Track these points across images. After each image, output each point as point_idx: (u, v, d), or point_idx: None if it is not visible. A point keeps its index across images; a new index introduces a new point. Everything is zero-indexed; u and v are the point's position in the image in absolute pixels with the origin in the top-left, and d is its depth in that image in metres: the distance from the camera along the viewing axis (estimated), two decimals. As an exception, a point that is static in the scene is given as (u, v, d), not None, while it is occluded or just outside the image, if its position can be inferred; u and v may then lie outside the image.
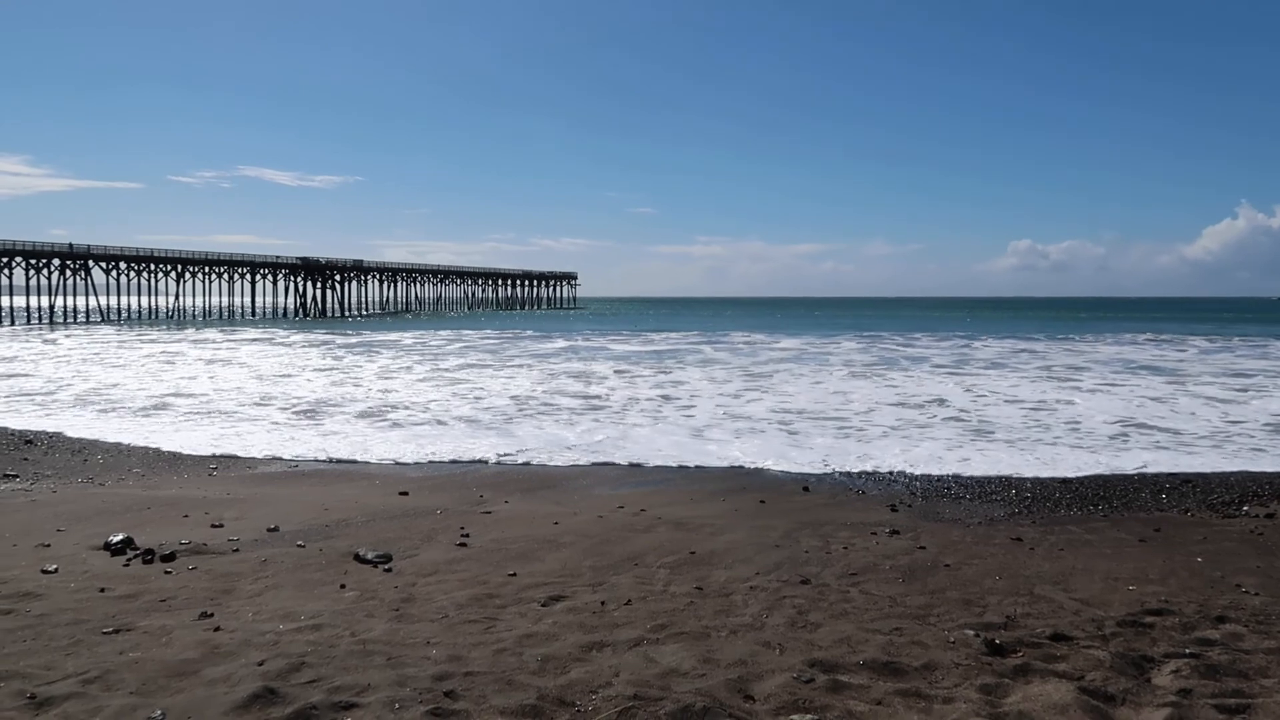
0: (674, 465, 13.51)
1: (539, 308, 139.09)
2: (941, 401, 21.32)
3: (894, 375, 28.64)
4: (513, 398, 22.37)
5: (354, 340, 50.48)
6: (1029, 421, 18.02)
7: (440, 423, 18.14)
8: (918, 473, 12.73)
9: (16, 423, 17.60)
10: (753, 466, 13.38)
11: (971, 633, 5.56)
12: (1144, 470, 12.74)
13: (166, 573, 7.01)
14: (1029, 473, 12.67)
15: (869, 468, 13.15)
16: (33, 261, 74.19)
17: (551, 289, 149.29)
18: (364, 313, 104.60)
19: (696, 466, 13.41)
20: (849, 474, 12.76)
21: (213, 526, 8.85)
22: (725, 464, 13.61)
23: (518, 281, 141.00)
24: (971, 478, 12.36)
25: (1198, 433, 16.37)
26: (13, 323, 67.67)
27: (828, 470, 13.00)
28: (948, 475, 12.52)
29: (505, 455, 14.29)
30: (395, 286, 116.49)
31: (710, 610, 6.09)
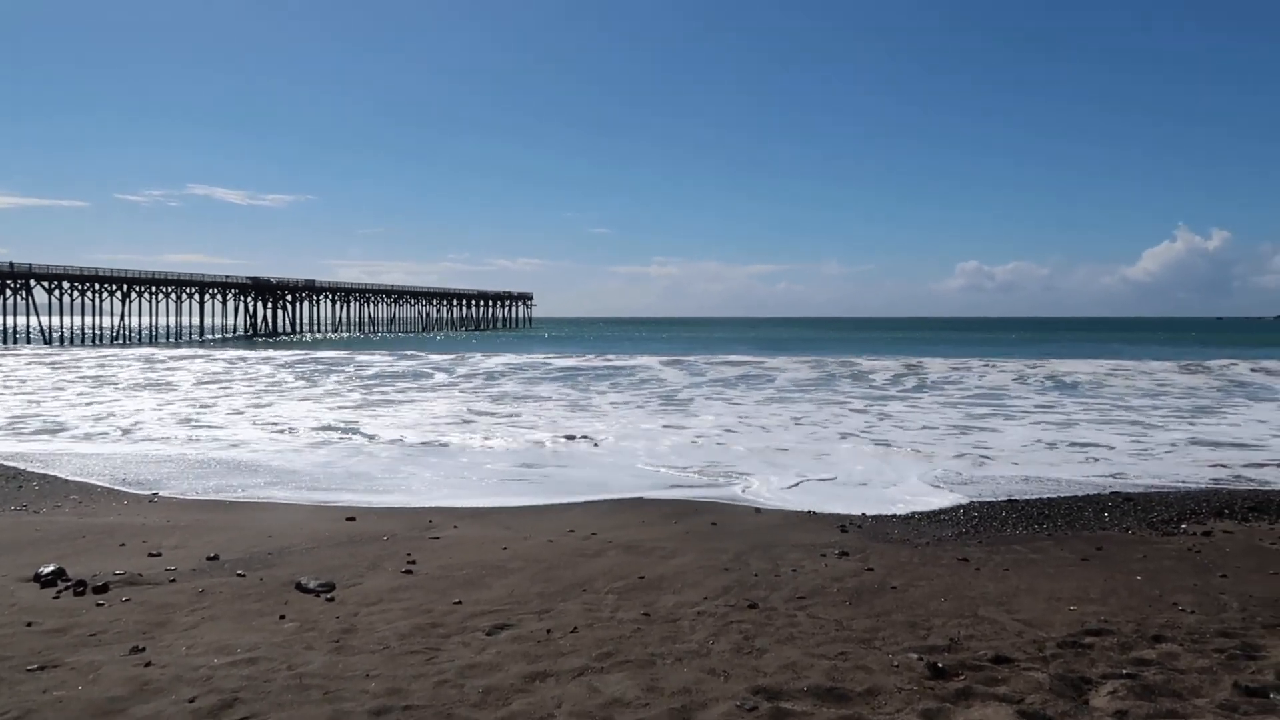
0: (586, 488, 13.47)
1: (495, 328, 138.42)
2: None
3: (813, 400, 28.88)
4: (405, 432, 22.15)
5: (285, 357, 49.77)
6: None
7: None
8: (868, 497, 12.80)
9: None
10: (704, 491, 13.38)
11: (915, 656, 5.58)
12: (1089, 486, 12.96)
13: (98, 605, 6.81)
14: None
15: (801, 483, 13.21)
16: (-29, 281, 72.29)
17: (508, 309, 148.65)
18: (316, 333, 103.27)
19: (636, 497, 13.37)
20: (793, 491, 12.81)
21: (150, 555, 8.62)
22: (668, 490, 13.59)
23: (473, 301, 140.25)
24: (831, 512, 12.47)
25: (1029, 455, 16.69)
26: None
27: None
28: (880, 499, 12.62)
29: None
30: (349, 306, 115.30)
31: (657, 637, 6.06)
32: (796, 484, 13.66)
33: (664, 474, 14.72)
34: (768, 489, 13.29)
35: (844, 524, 10.61)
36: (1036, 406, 25.54)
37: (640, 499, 12.60)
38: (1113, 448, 17.39)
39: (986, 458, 16.11)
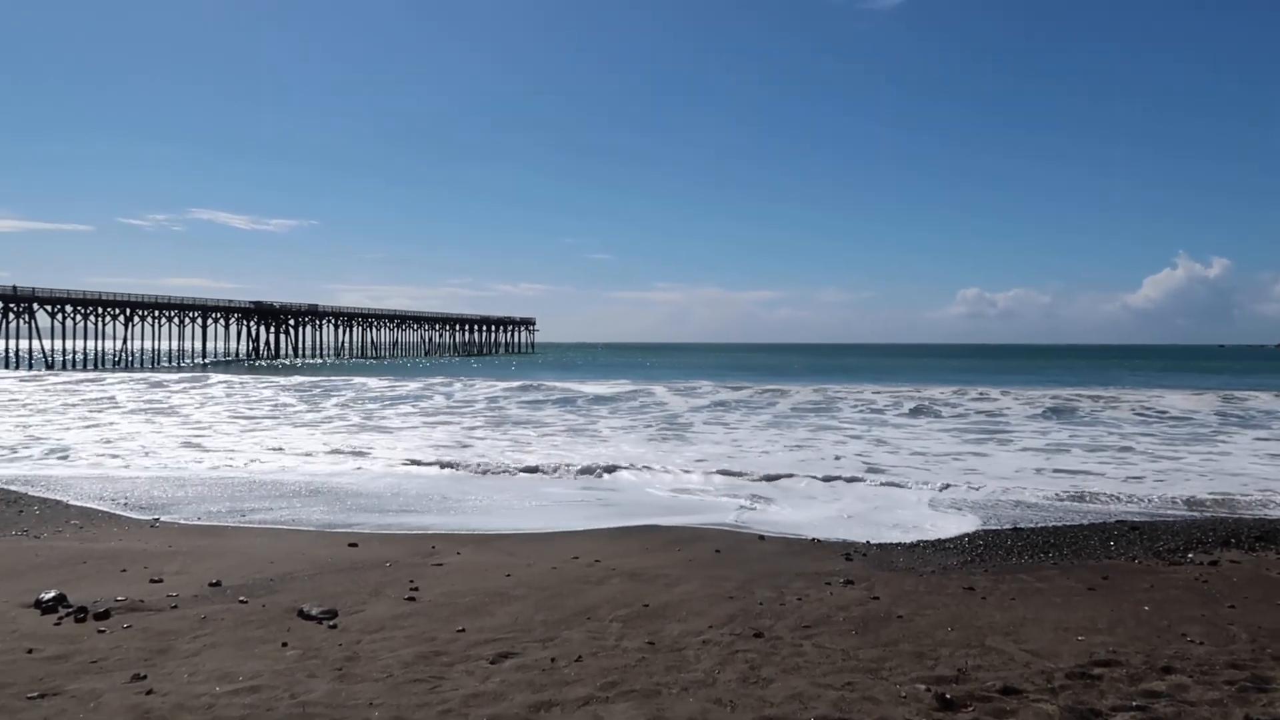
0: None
1: (497, 352, 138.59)
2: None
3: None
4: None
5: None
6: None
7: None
8: (868, 525, 12.75)
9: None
10: (708, 518, 13.33)
11: (923, 687, 5.54)
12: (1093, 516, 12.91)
13: (100, 631, 6.77)
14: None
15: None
16: (-25, 304, 72.46)
17: (510, 334, 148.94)
18: (320, 358, 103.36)
19: (648, 524, 13.32)
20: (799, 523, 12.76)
21: (152, 581, 8.58)
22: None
23: (476, 326, 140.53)
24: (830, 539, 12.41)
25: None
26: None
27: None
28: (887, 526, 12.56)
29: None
30: (351, 331, 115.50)
31: (662, 666, 6.01)
32: (799, 510, 13.60)
33: (666, 500, 14.67)
34: (770, 516, 13.24)
35: (848, 552, 10.56)
36: (1034, 434, 25.47)
37: (643, 525, 12.55)
38: (1103, 475, 17.33)
39: (984, 485, 16.04)
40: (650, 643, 6.58)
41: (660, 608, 7.71)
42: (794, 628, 7.06)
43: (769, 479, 16.72)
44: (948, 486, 15.85)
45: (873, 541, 11.38)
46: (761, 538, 11.56)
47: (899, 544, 11.21)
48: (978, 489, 15.56)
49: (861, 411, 32.71)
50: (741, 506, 13.99)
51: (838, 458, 20.02)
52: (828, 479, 16.66)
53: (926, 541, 11.36)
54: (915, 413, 32.41)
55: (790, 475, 17.12)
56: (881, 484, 16.22)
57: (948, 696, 5.31)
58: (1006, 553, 10.63)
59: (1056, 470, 18.23)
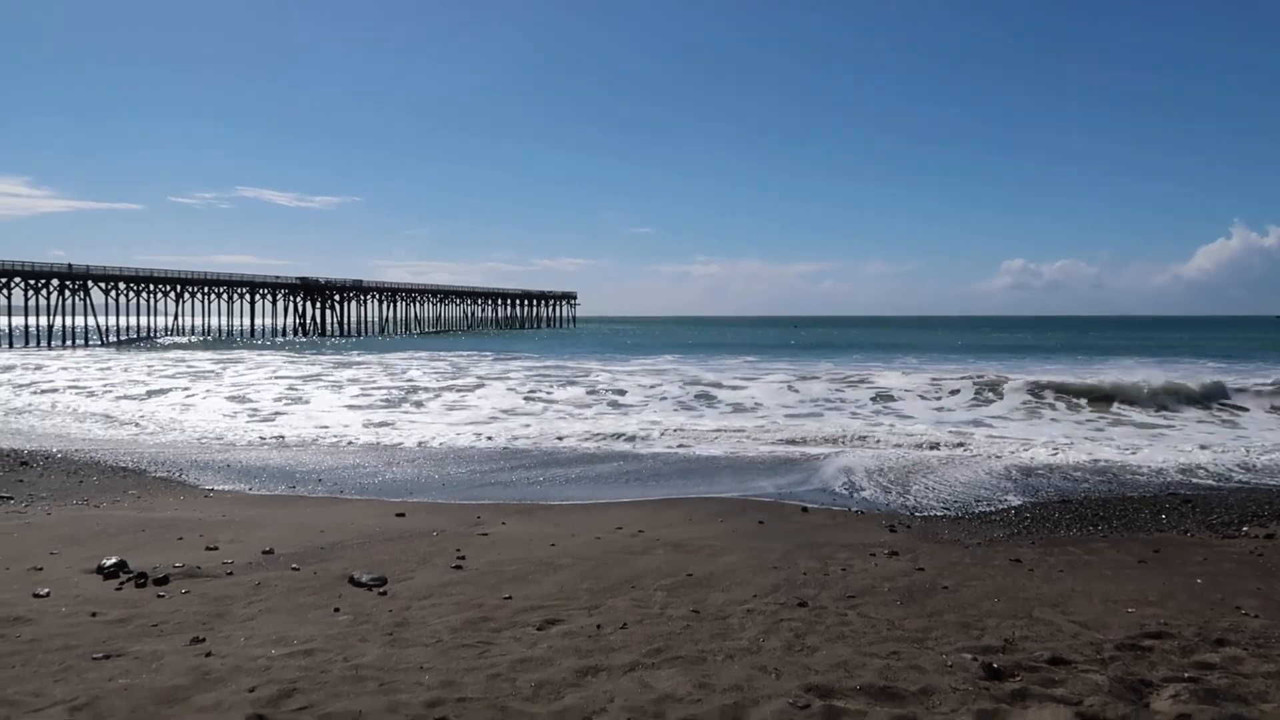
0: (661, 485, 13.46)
1: (539, 327, 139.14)
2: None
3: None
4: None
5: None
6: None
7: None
8: (914, 491, 12.67)
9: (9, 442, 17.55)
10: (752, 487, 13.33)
11: (969, 656, 5.51)
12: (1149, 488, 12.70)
13: (159, 596, 6.96)
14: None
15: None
16: (31, 282, 74.28)
17: (551, 308, 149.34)
18: (363, 333, 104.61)
19: (696, 495, 13.35)
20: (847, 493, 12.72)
21: (207, 549, 8.79)
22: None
23: (517, 301, 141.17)
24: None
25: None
26: (10, 345, 67.55)
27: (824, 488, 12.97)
28: (938, 494, 12.47)
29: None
30: (395, 306, 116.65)
31: (707, 634, 6.05)
32: (842, 482, 13.55)
33: (709, 468, 14.70)
34: (813, 486, 13.21)
35: (892, 524, 10.51)
36: (1077, 421, 25.03)
37: (686, 498, 12.59)
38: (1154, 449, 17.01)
39: (1032, 458, 15.82)
40: (695, 611, 6.62)
41: (704, 577, 7.75)
42: (838, 598, 7.06)
43: (816, 448, 16.67)
44: (996, 456, 15.69)
45: (918, 513, 11.32)
46: (805, 509, 11.54)
47: (944, 516, 11.14)
48: (1026, 466, 15.37)
49: (911, 389, 32.27)
50: (786, 475, 13.97)
51: (887, 432, 19.91)
52: (870, 453, 16.56)
53: (971, 514, 11.27)
54: (956, 391, 31.94)
55: (836, 445, 17.04)
56: (925, 456, 16.08)
57: (995, 666, 5.28)
58: (1054, 525, 10.52)
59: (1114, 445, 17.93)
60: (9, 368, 41.13)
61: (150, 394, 29.12)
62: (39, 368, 41.75)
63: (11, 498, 11.93)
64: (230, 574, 7.78)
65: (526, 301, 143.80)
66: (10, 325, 71.49)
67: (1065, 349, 63.99)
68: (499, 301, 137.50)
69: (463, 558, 8.48)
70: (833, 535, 9.85)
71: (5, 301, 72.22)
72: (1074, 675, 5.19)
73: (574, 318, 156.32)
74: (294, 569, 7.99)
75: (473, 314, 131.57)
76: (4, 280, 72.26)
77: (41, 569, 7.86)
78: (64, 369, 40.49)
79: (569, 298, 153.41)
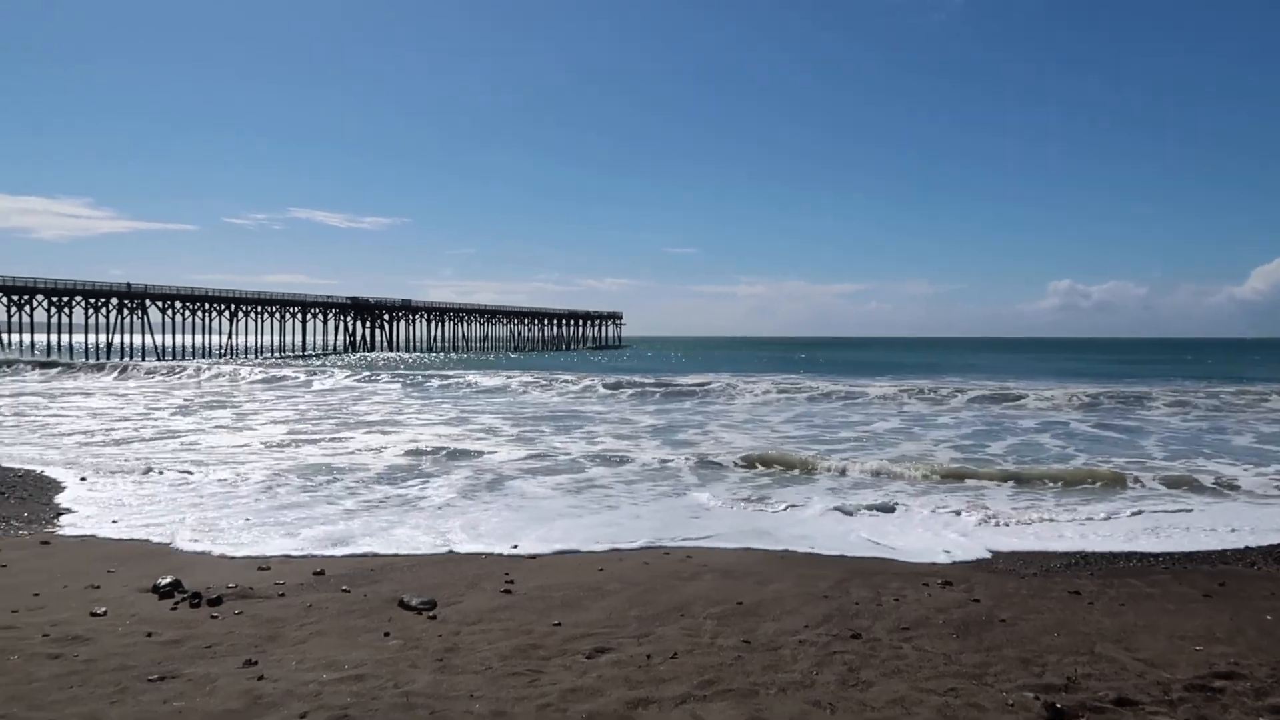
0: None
1: (585, 346, 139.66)
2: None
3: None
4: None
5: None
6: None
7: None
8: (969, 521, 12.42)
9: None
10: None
11: (1031, 695, 5.35)
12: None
13: (213, 617, 7.03)
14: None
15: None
16: (92, 300, 76.38)
17: (597, 328, 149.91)
18: (411, 351, 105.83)
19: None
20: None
21: (259, 569, 8.88)
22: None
23: (563, 321, 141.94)
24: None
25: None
26: (71, 356, 69.31)
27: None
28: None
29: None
30: (442, 325, 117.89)
31: (758, 665, 5.95)
32: (892, 507, 13.32)
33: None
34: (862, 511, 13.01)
35: (944, 551, 10.30)
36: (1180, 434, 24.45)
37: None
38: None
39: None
40: (745, 641, 6.53)
41: (754, 605, 7.64)
42: (892, 629, 6.91)
43: (867, 475, 16.46)
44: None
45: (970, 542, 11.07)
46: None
47: (997, 544, 10.88)
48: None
49: (950, 410, 31.86)
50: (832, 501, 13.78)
51: (936, 457, 19.58)
52: (922, 479, 16.30)
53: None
54: (1002, 414, 31.47)
55: (893, 472, 16.81)
56: (981, 485, 15.77)
57: (1058, 706, 5.12)
58: (1112, 556, 10.23)
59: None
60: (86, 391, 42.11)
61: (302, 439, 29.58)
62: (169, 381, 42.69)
63: (74, 510, 12.16)
64: (282, 595, 7.84)
65: (572, 321, 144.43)
66: (71, 342, 73.41)
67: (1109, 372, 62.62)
68: (546, 321, 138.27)
69: (511, 582, 8.46)
70: (884, 563, 9.67)
71: (68, 320, 74.33)
72: (1142, 717, 5.01)
73: (619, 337, 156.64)
74: (344, 591, 8.03)
75: (518, 334, 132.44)
76: (66, 299, 74.38)
77: (99, 587, 8.00)
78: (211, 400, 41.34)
79: (615, 317, 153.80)
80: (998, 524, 12.04)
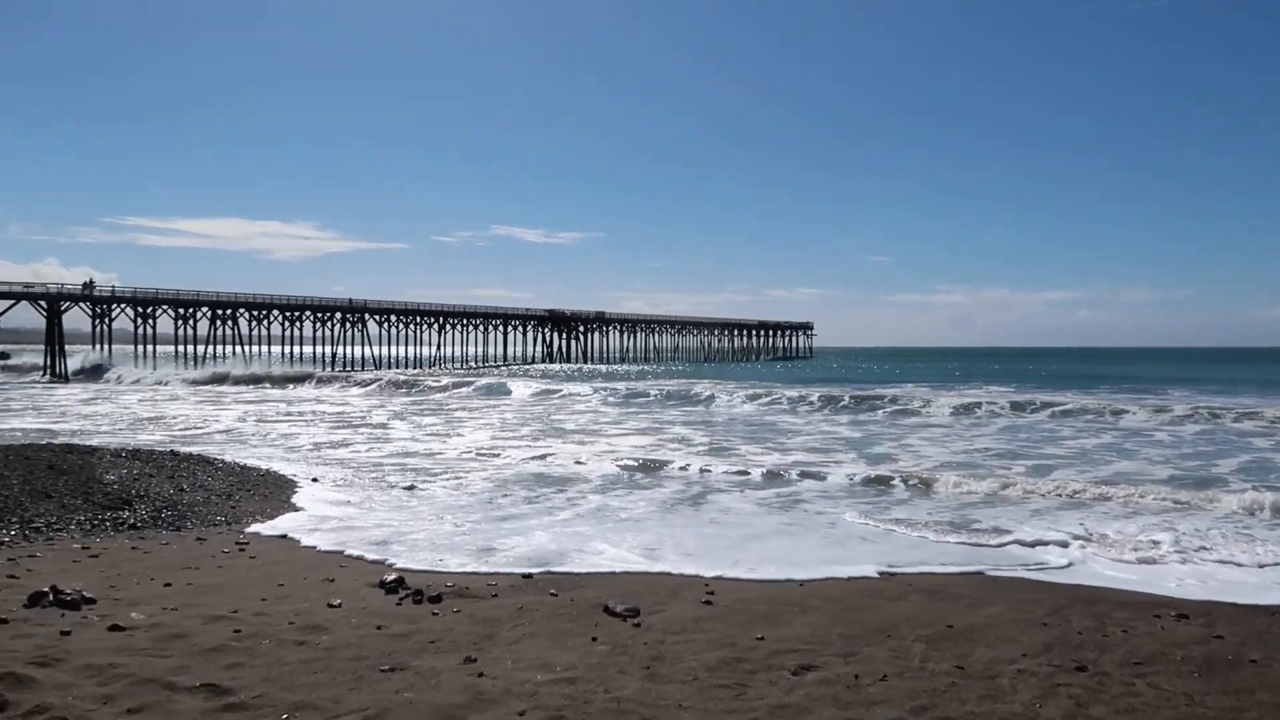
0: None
1: (775, 357, 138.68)
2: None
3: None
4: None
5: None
6: None
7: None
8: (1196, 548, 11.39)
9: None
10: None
11: (1292, 746, 4.84)
12: None
13: (434, 614, 7.45)
14: None
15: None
16: (319, 315, 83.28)
17: (787, 339, 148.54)
18: (606, 361, 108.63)
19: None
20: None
21: (472, 571, 9.33)
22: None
23: (753, 331, 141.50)
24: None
25: None
26: (301, 364, 75.62)
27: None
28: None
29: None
30: (635, 336, 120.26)
31: (975, 694, 5.69)
32: (1105, 533, 12.40)
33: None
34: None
35: (1176, 580, 9.50)
36: None
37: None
38: None
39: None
40: (959, 667, 6.26)
41: (965, 630, 7.32)
42: (1122, 663, 6.43)
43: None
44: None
45: (1206, 570, 10.15)
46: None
47: (1237, 570, 9.91)
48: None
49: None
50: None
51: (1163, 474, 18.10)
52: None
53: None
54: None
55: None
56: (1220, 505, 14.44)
57: (1325, 760, 4.60)
58: (1384, 594, 9.09)
59: None
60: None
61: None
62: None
63: (306, 509, 13.22)
64: (495, 595, 8.21)
65: (763, 332, 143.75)
66: (301, 352, 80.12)
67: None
68: (736, 332, 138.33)
69: (712, 592, 8.49)
70: (1106, 591, 9.03)
71: (298, 332, 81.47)
72: None
73: (811, 348, 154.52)
74: (552, 594, 8.31)
75: (708, 344, 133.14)
76: (297, 314, 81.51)
77: (333, 580, 8.65)
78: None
79: (806, 328, 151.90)
80: (1231, 554, 10.97)
